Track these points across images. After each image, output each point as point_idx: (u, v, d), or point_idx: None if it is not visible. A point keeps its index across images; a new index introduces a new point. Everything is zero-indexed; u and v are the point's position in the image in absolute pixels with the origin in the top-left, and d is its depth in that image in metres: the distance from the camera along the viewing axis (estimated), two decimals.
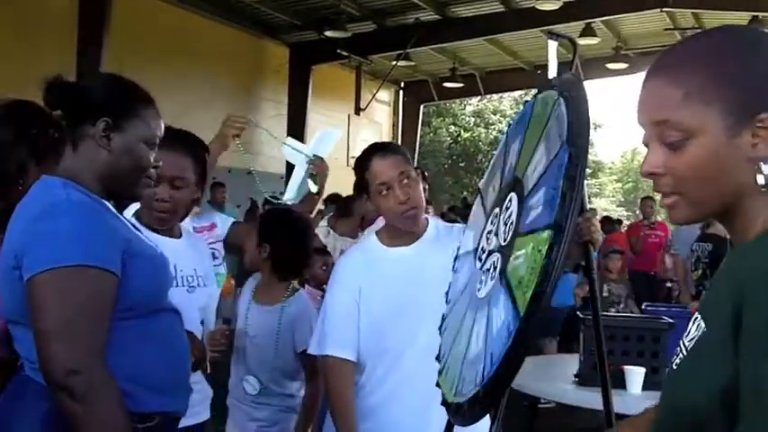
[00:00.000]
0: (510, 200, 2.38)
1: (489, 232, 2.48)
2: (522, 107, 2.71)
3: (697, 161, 1.39)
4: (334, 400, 3.20)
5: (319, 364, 3.40)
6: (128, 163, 2.43)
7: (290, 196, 3.86)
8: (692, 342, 1.41)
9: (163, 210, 3.08)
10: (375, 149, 3.28)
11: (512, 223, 2.30)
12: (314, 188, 4.33)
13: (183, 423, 2.68)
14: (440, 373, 2.54)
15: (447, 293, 2.77)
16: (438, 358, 2.59)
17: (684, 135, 1.39)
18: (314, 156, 4.35)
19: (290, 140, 4.42)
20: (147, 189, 2.94)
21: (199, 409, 3.11)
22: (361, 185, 3.26)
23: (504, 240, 2.30)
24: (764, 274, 1.28)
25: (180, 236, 3.21)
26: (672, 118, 1.41)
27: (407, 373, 3.15)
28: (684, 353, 1.42)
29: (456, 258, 2.85)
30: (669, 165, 1.42)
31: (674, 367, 1.45)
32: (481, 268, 2.44)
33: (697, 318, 1.43)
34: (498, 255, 2.31)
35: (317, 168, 4.45)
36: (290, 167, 13.17)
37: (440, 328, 2.70)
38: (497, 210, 2.47)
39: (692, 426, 1.35)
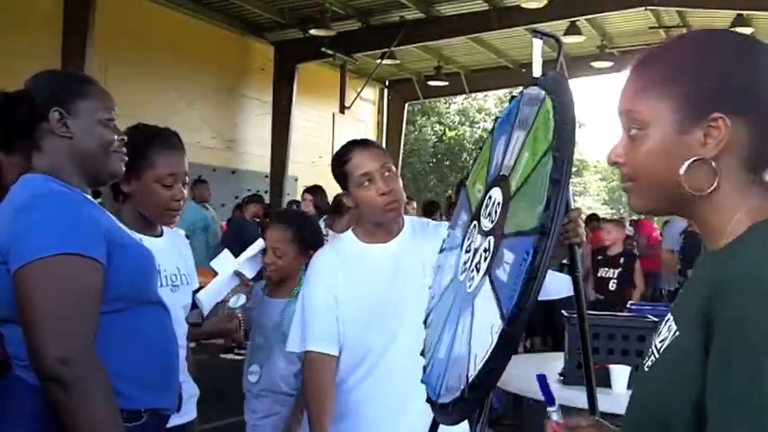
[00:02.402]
0: (496, 198, 2.38)
1: (475, 228, 2.48)
2: (507, 105, 2.71)
3: (647, 152, 1.45)
4: (312, 397, 3.16)
5: (301, 359, 3.37)
6: (92, 142, 2.46)
7: (202, 299, 3.64)
8: (664, 345, 1.42)
9: (178, 208, 3.13)
10: (355, 143, 3.26)
11: (497, 223, 2.30)
12: (241, 300, 4.04)
13: (171, 423, 2.68)
14: (424, 369, 2.54)
15: (431, 287, 2.76)
16: (423, 353, 2.58)
17: (640, 125, 1.45)
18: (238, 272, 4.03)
19: (222, 256, 4.12)
20: (164, 192, 3.00)
21: (185, 409, 3.09)
22: (341, 180, 3.22)
23: (490, 240, 2.30)
24: (736, 281, 1.29)
25: (161, 234, 3.21)
26: (632, 108, 1.47)
27: (387, 372, 3.13)
28: (656, 355, 1.43)
29: (441, 251, 2.84)
30: (628, 154, 1.49)
31: (646, 369, 1.46)
32: (467, 264, 2.44)
33: (669, 319, 1.45)
34: (484, 254, 2.31)
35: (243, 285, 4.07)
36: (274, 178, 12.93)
37: (425, 321, 2.69)
38: (483, 207, 2.47)
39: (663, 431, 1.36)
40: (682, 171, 1.39)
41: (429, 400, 2.41)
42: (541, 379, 2.20)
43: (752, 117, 1.38)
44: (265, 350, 3.96)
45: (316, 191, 8.95)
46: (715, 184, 1.39)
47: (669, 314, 1.46)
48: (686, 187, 1.40)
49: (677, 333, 1.38)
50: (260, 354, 3.99)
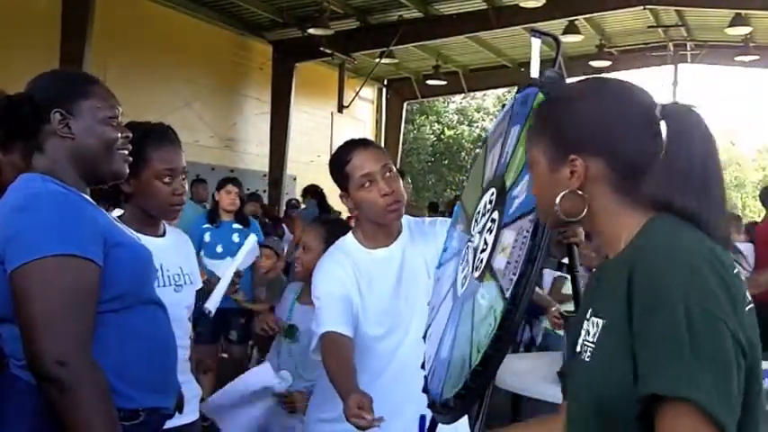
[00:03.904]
0: (492, 196, 2.39)
1: (472, 236, 2.48)
2: (505, 105, 2.71)
3: (536, 186, 1.84)
4: (335, 373, 2.93)
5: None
6: (94, 143, 2.46)
7: (211, 307, 3.67)
8: (596, 335, 1.65)
9: (181, 202, 3.13)
10: (355, 143, 3.22)
11: (496, 217, 2.30)
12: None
13: (173, 423, 2.68)
14: (425, 379, 2.54)
15: (429, 302, 2.75)
16: (423, 366, 2.58)
17: (530, 166, 1.86)
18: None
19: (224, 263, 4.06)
20: (164, 188, 3.02)
21: (188, 409, 3.09)
22: (340, 182, 3.18)
23: (489, 235, 2.30)
24: (647, 250, 1.59)
25: (164, 234, 3.21)
26: (527, 154, 1.89)
27: (394, 374, 3.11)
28: (592, 345, 1.66)
29: (438, 266, 2.83)
30: (532, 187, 1.90)
31: (587, 360, 1.67)
32: (465, 270, 2.44)
33: (588, 319, 1.70)
34: (483, 249, 2.32)
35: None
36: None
37: (423, 336, 2.69)
38: (480, 211, 2.48)
39: (606, 420, 1.59)
40: (556, 202, 1.74)
41: (430, 405, 2.42)
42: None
43: (606, 156, 1.71)
44: (307, 356, 3.84)
45: (237, 182, 8.44)
46: (585, 210, 1.73)
47: (591, 316, 1.70)
48: (560, 213, 1.75)
49: (604, 322, 1.64)
50: (299, 361, 3.96)
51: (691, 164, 1.67)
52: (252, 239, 3.99)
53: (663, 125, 1.71)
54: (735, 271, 1.59)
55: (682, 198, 1.65)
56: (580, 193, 1.73)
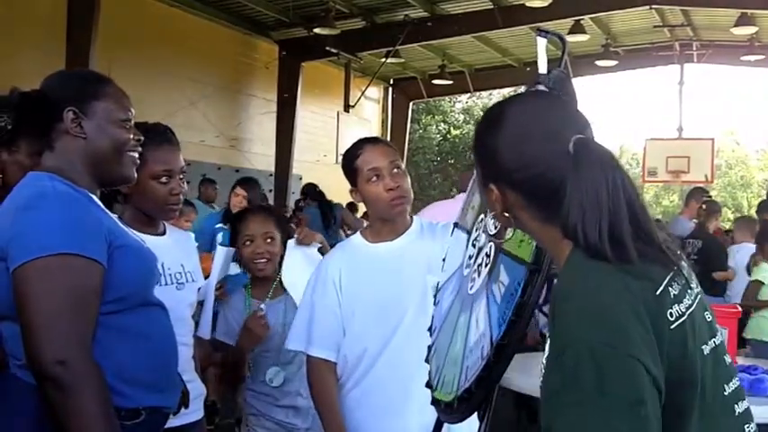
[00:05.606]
0: None
1: (482, 222, 2.48)
2: None
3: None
4: (320, 403, 3.21)
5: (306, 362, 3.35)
6: (106, 144, 2.46)
7: (204, 334, 3.63)
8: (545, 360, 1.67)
9: (178, 202, 3.14)
10: (366, 140, 3.31)
11: (498, 230, 2.30)
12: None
13: (178, 422, 2.68)
14: (429, 373, 2.54)
15: (435, 296, 2.76)
16: (427, 360, 2.58)
17: None
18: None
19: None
20: (162, 188, 3.03)
21: (192, 408, 3.09)
22: (350, 176, 3.24)
23: (491, 246, 2.30)
24: (559, 294, 1.64)
25: (164, 232, 3.22)
26: None
27: (384, 372, 3.15)
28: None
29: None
30: None
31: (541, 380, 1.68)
32: (472, 260, 2.44)
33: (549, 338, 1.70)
34: (486, 258, 2.31)
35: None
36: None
37: (429, 328, 2.69)
38: (482, 217, 2.47)
39: None
40: (491, 220, 1.84)
41: (434, 401, 2.41)
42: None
43: (518, 188, 1.73)
44: (281, 353, 3.79)
45: (249, 184, 8.28)
46: (511, 232, 1.87)
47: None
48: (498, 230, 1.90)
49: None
50: (279, 355, 3.83)
51: (583, 196, 1.65)
52: (221, 251, 3.92)
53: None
54: (657, 293, 1.58)
55: (583, 230, 1.63)
56: (506, 215, 1.78)
